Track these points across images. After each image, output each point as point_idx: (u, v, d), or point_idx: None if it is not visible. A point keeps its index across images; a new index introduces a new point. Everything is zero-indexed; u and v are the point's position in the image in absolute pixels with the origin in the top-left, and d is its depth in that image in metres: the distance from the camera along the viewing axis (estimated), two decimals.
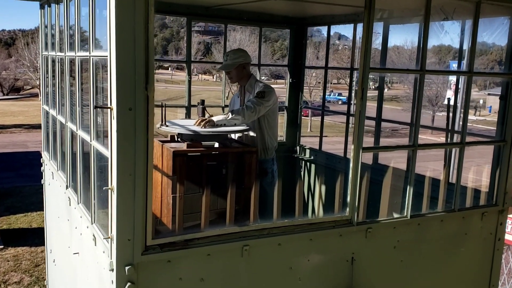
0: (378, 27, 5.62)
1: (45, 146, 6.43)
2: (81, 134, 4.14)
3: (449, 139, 5.61)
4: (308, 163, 6.84)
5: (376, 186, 4.74)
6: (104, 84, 3.41)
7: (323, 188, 6.50)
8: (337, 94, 61.81)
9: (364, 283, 4.07)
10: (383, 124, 6.05)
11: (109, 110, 3.00)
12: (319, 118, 8.15)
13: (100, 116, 3.77)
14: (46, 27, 6.01)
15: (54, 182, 5.65)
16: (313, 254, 3.83)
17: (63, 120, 4.90)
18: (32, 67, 51.43)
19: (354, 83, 7.36)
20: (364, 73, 3.69)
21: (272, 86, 5.44)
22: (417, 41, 5.03)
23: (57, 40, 5.19)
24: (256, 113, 4.97)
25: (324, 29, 6.80)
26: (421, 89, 4.21)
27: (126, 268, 3.08)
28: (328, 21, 6.47)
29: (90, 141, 3.78)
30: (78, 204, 4.27)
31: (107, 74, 3.05)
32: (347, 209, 3.88)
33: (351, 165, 3.84)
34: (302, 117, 7.25)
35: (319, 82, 44.34)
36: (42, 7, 6.13)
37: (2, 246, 11.41)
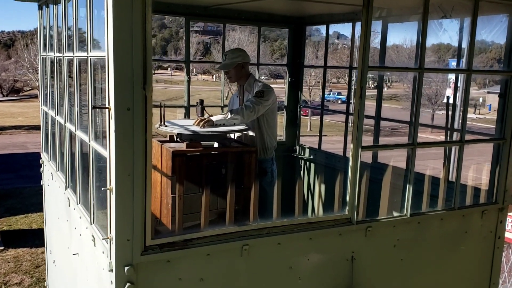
0: (377, 26, 5.63)
1: (44, 147, 6.43)
2: (80, 134, 4.13)
3: (448, 137, 5.61)
4: (307, 163, 6.83)
5: (375, 185, 4.74)
6: (103, 84, 3.41)
7: (323, 187, 6.50)
8: (336, 94, 61.80)
9: (364, 282, 4.06)
10: (383, 122, 6.05)
11: (107, 110, 3.00)
12: (318, 117, 8.15)
13: (98, 116, 3.77)
14: (44, 28, 6.00)
15: (54, 183, 5.65)
16: (313, 253, 3.83)
17: (62, 121, 4.90)
18: (31, 68, 51.41)
19: (353, 82, 7.36)
20: (363, 71, 3.69)
21: (272, 85, 5.44)
22: (416, 40, 5.03)
23: (55, 41, 5.19)
24: (255, 112, 4.97)
25: (323, 28, 6.77)
26: (420, 87, 4.21)
27: (126, 268, 3.07)
28: (326, 20, 6.46)
29: (89, 141, 3.77)
30: (77, 204, 4.26)
31: (105, 74, 3.04)
32: (347, 208, 3.87)
33: (350, 164, 3.84)
34: (302, 117, 7.24)
35: (319, 82, 44.32)
36: (40, 8, 6.13)
37: (2, 247, 11.42)
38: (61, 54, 4.85)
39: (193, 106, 5.45)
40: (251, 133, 5.27)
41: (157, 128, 4.58)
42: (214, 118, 4.76)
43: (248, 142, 5.27)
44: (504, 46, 4.67)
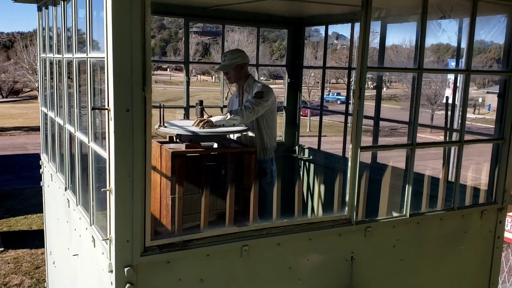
0: (375, 26, 5.63)
1: (44, 148, 6.43)
2: (79, 135, 4.14)
3: (448, 138, 5.61)
4: (307, 163, 6.84)
5: (375, 185, 4.74)
6: (102, 85, 3.41)
7: (322, 187, 6.50)
8: (335, 94, 61.82)
9: (363, 282, 4.06)
10: (382, 123, 6.05)
11: (106, 111, 3.00)
12: (317, 118, 8.15)
13: (98, 117, 3.77)
14: (43, 29, 6.01)
15: (53, 184, 5.65)
16: (313, 254, 3.83)
17: (61, 122, 4.90)
18: (31, 70, 51.41)
19: (352, 82, 7.36)
20: (362, 72, 3.69)
21: (271, 86, 5.44)
22: (415, 40, 5.04)
23: (54, 42, 5.19)
24: (254, 113, 4.97)
25: (322, 29, 6.78)
26: (419, 87, 4.21)
27: (125, 269, 3.08)
28: (325, 20, 6.47)
29: (88, 142, 3.78)
30: (77, 205, 4.26)
31: (104, 75, 3.05)
32: (346, 208, 3.88)
33: (349, 164, 3.84)
34: (301, 117, 7.25)
35: (318, 82, 44.34)
36: (39, 9, 6.14)
37: (2, 249, 11.41)
38: (60, 56, 4.85)
39: (193, 107, 5.45)
40: (250, 133, 5.27)
41: (156, 129, 4.58)
42: (213, 119, 4.76)
43: (248, 142, 5.27)
44: (503, 46, 4.68)
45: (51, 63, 5.51)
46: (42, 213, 6.97)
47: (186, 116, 6.13)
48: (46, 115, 6.10)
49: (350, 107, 7.11)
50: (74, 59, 4.23)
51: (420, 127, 4.25)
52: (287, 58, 6.97)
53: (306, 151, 6.87)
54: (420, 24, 4.10)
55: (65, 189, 4.79)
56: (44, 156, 6.39)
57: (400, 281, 4.34)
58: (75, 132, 4.25)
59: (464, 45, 5.05)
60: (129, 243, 3.07)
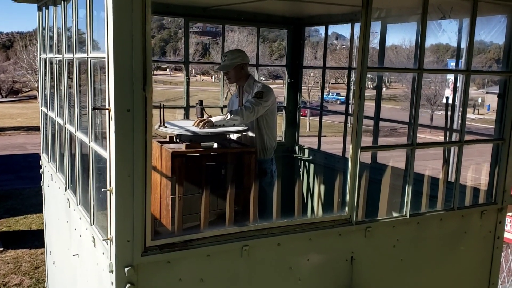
0: (375, 26, 5.63)
1: (44, 148, 6.43)
2: (80, 135, 4.14)
3: (448, 138, 5.61)
4: (307, 163, 6.84)
5: (375, 185, 4.75)
6: (102, 85, 3.41)
7: (322, 187, 6.51)
8: (335, 94, 61.85)
9: (363, 283, 4.07)
10: (382, 123, 6.06)
11: (107, 111, 3.00)
12: (317, 118, 8.16)
13: (98, 117, 3.77)
14: (44, 29, 6.01)
15: (53, 184, 5.65)
16: (313, 254, 3.84)
17: (61, 122, 4.90)
18: (30, 69, 51.41)
19: (352, 82, 7.37)
20: (362, 72, 3.69)
21: (271, 86, 5.44)
22: (415, 40, 5.04)
23: (55, 42, 5.19)
24: (254, 113, 4.97)
25: (321, 29, 6.79)
26: (419, 88, 4.21)
27: (126, 269, 3.08)
28: (325, 21, 6.47)
29: (89, 142, 3.78)
30: (77, 205, 4.27)
31: (105, 75, 3.05)
32: (346, 208, 3.88)
33: (350, 164, 3.84)
34: (301, 117, 7.25)
35: (317, 82, 44.35)
36: (39, 9, 6.14)
37: (2, 249, 11.41)
38: (60, 56, 4.85)
39: (193, 107, 5.46)
40: (250, 133, 5.28)
41: (156, 129, 4.58)
42: (213, 119, 4.76)
43: (248, 142, 5.28)
44: (502, 46, 4.68)
45: (51, 63, 5.51)
46: (42, 213, 6.97)
47: (186, 116, 6.13)
48: (46, 115, 6.11)
49: (350, 107, 7.14)
50: (75, 59, 4.23)
51: (419, 127, 4.26)
52: (287, 58, 6.98)
53: (306, 151, 6.87)
54: (420, 24, 4.11)
55: (65, 189, 4.79)
56: (44, 156, 6.39)
57: (400, 281, 4.34)
58: (75, 132, 4.25)
59: (464, 45, 5.06)
60: (129, 243, 3.07)
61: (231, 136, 5.26)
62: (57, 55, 5.08)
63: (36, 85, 48.45)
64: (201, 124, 4.65)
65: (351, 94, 9.78)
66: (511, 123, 4.58)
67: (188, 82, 6.30)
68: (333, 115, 37.43)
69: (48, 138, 6.11)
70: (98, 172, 3.72)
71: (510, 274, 10.20)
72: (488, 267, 4.84)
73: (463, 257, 4.66)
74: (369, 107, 4.02)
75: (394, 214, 4.27)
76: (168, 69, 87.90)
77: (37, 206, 13.75)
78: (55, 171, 5.44)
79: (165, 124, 4.72)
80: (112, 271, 3.12)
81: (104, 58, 3.00)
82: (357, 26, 5.87)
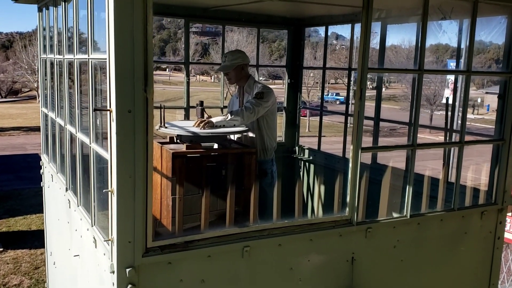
0: (375, 27, 5.64)
1: (44, 149, 6.43)
2: (81, 136, 4.14)
3: (448, 138, 5.62)
4: (307, 164, 6.84)
5: (375, 186, 4.75)
6: (103, 86, 3.41)
7: (323, 188, 6.51)
8: (334, 94, 61.86)
9: (364, 283, 4.07)
10: (382, 123, 6.06)
11: (108, 112, 3.01)
12: (317, 118, 8.16)
13: (99, 118, 3.77)
14: (44, 30, 6.00)
15: (54, 184, 5.65)
16: (313, 255, 3.84)
17: (62, 123, 4.90)
18: (30, 70, 51.45)
19: (352, 83, 7.37)
20: (363, 73, 3.70)
21: (270, 86, 5.45)
22: (415, 40, 5.04)
23: (55, 42, 5.19)
24: (255, 114, 4.98)
25: (321, 29, 6.79)
26: (419, 89, 4.22)
27: (127, 270, 3.08)
28: (326, 21, 6.48)
29: (90, 143, 3.78)
30: (78, 206, 4.27)
31: (105, 75, 3.05)
32: (347, 209, 3.88)
33: (350, 165, 3.84)
34: (301, 117, 7.26)
35: (317, 82, 44.36)
36: (40, 10, 6.13)
37: (1, 249, 11.40)
38: (61, 56, 4.85)
39: (193, 107, 5.46)
40: (251, 134, 5.28)
41: (157, 129, 4.58)
42: (214, 120, 4.77)
43: (248, 143, 5.28)
44: (502, 46, 4.68)
45: (52, 64, 5.51)
46: (41, 213, 6.97)
47: (187, 117, 6.13)
48: (46, 115, 6.10)
49: (350, 108, 7.14)
50: (75, 60, 4.23)
51: (419, 127, 4.26)
52: (287, 58, 6.98)
53: (306, 151, 6.88)
54: (420, 25, 4.11)
55: (66, 190, 4.79)
56: (44, 156, 6.39)
57: (401, 282, 4.35)
58: (76, 133, 4.25)
59: (464, 45, 5.07)
60: (130, 244, 3.07)
61: (232, 136, 5.27)
62: (57, 56, 5.08)
63: (35, 85, 48.50)
64: (201, 124, 4.66)
65: (351, 94, 9.80)
66: (511, 123, 4.58)
67: (188, 83, 6.30)
68: (333, 115, 37.45)
69: (48, 139, 6.11)
70: (99, 172, 3.72)
71: (510, 274, 10.21)
72: (488, 267, 4.84)
73: (463, 257, 4.67)
74: (368, 107, 4.02)
75: (395, 215, 4.28)
76: (167, 69, 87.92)
77: (36, 207, 13.74)
78: (55, 172, 5.44)
79: (166, 125, 4.72)
80: (113, 272, 3.12)
81: (105, 59, 3.00)
82: (357, 27, 5.88)
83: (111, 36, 2.86)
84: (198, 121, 4.74)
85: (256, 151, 4.80)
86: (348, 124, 6.11)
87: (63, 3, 4.61)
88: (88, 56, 3.74)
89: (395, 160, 5.61)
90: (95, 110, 3.67)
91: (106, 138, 3.14)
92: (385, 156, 5.67)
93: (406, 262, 4.29)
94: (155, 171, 4.33)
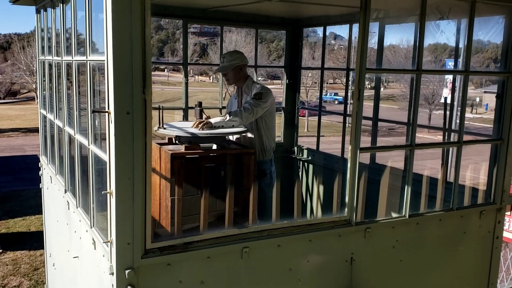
0: (373, 27, 5.64)
1: (43, 150, 6.43)
2: (79, 138, 4.14)
3: (446, 138, 5.62)
4: (306, 164, 6.85)
5: (374, 186, 4.75)
6: (101, 87, 3.41)
7: (321, 188, 6.51)
8: (333, 94, 61.89)
9: (363, 283, 4.07)
10: (380, 123, 6.06)
11: (106, 114, 3.01)
12: (315, 118, 8.16)
13: (97, 119, 3.77)
14: (42, 31, 6.00)
15: (53, 186, 5.65)
16: (313, 255, 3.84)
17: (60, 124, 4.90)
18: (28, 71, 51.39)
19: (350, 83, 7.38)
20: (361, 74, 3.70)
21: (269, 86, 5.45)
22: (413, 40, 5.05)
23: (53, 44, 5.19)
24: (253, 114, 4.98)
25: (319, 29, 6.81)
26: (417, 89, 4.22)
27: (126, 271, 3.08)
28: (324, 22, 6.48)
29: (88, 145, 3.78)
30: (77, 208, 4.27)
31: (103, 76, 3.05)
32: (346, 209, 3.89)
33: (349, 165, 3.85)
34: (299, 117, 7.26)
35: (315, 82, 44.38)
36: (38, 11, 6.13)
37: (1, 250, 11.39)
38: (59, 58, 4.85)
39: (192, 108, 5.46)
40: (249, 135, 5.28)
41: (155, 130, 4.58)
42: (212, 120, 4.77)
43: (247, 144, 5.28)
44: (500, 46, 4.68)
45: (50, 66, 5.51)
46: (40, 214, 6.97)
47: (185, 118, 6.13)
48: (45, 117, 6.10)
49: (348, 108, 7.15)
50: (74, 61, 4.23)
51: (418, 127, 4.26)
52: (285, 59, 6.98)
53: (305, 151, 6.88)
54: (418, 25, 4.11)
55: (65, 191, 4.79)
56: (43, 158, 6.39)
57: (400, 282, 4.35)
58: (74, 135, 4.25)
59: (462, 45, 5.07)
60: (130, 246, 3.07)
61: (230, 137, 5.27)
62: (56, 58, 5.08)
63: (34, 86, 48.46)
64: (200, 125, 4.66)
65: (349, 94, 9.81)
66: (510, 123, 4.59)
67: (186, 83, 6.30)
68: (331, 115, 37.43)
69: (47, 140, 6.11)
70: (98, 174, 3.72)
71: (509, 273, 10.22)
72: (487, 267, 4.85)
73: (462, 257, 4.67)
74: (367, 107, 4.02)
75: (394, 215, 4.28)
76: (166, 70, 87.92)
77: (36, 208, 13.73)
78: (54, 173, 5.44)
79: (164, 126, 4.72)
80: (112, 274, 3.12)
81: (104, 61, 3.00)
82: (355, 27, 5.89)
83: (109, 37, 2.86)
84: (197, 122, 4.74)
85: (255, 152, 4.80)
86: (347, 124, 6.11)
87: (61, 4, 4.61)
88: (87, 57, 3.74)
89: (394, 160, 5.61)
90: (93, 111, 3.67)
91: (105, 140, 3.14)
92: (384, 155, 5.67)
93: (405, 262, 4.29)
94: (154, 172, 4.33)
